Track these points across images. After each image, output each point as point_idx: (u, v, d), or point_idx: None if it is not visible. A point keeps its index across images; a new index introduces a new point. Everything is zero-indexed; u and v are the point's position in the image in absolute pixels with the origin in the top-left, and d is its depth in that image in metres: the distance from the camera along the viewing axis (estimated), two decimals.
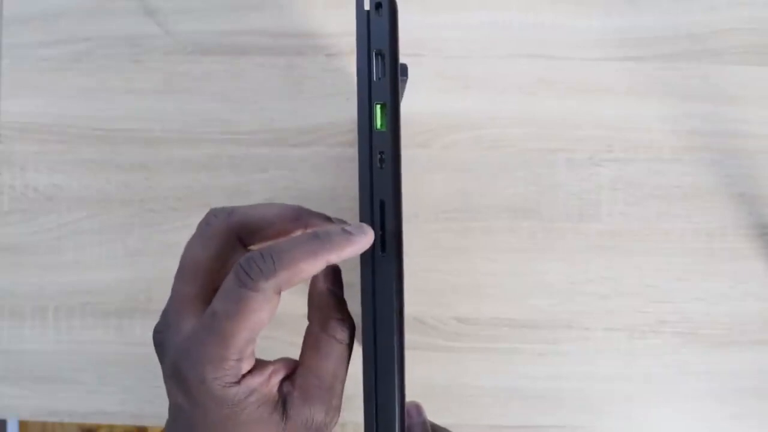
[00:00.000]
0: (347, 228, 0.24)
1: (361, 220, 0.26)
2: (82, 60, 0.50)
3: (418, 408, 0.32)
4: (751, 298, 0.48)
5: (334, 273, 0.27)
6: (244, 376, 0.24)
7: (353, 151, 0.49)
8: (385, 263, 0.25)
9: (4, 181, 0.50)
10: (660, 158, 0.48)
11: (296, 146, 0.49)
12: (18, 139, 0.50)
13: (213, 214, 0.27)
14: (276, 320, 0.47)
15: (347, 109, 0.49)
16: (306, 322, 0.27)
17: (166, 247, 0.49)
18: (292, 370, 0.26)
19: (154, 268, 0.49)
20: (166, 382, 0.25)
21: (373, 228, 0.25)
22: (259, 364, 0.25)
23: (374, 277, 0.25)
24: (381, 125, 0.26)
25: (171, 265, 0.48)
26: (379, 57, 0.26)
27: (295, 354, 0.27)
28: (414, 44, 0.49)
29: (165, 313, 0.26)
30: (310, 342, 0.26)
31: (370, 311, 0.25)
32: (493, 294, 0.48)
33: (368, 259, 0.25)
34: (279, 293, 0.24)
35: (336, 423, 0.26)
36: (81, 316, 0.49)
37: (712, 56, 0.49)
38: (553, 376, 0.48)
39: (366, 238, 0.25)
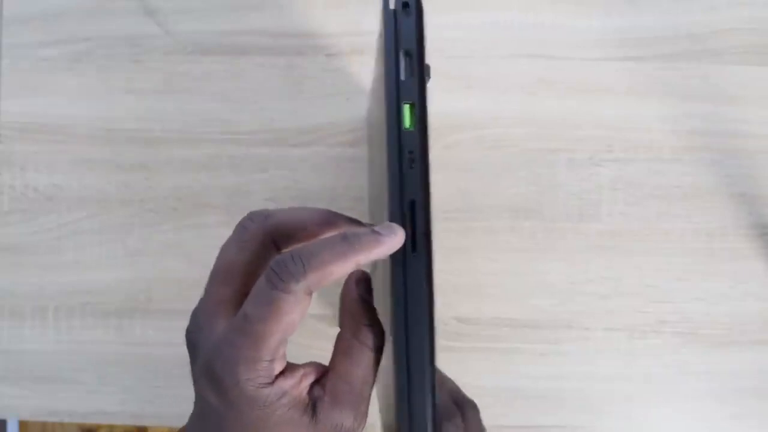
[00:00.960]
0: (376, 229, 0.25)
1: (391, 221, 0.26)
2: (82, 60, 0.50)
3: None
4: (751, 298, 0.48)
5: (365, 280, 0.27)
6: (276, 377, 0.24)
7: (353, 151, 0.49)
8: (416, 263, 0.25)
9: (4, 181, 0.50)
10: (660, 158, 0.49)
11: (296, 146, 0.49)
12: (18, 139, 0.50)
13: (249, 218, 0.27)
14: None
15: (347, 109, 0.49)
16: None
17: (166, 247, 0.49)
18: (322, 374, 0.26)
19: (154, 268, 0.49)
20: (196, 381, 0.25)
21: (404, 228, 0.25)
22: (290, 367, 0.25)
23: (405, 277, 0.25)
24: (410, 125, 0.26)
25: (171, 265, 0.49)
26: (407, 57, 0.26)
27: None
28: None
29: (195, 314, 0.26)
30: (341, 348, 0.26)
31: (401, 311, 0.25)
32: (494, 294, 0.48)
33: (399, 258, 0.25)
34: (310, 294, 0.24)
35: (363, 428, 0.26)
36: (81, 316, 0.49)
37: (712, 56, 0.49)
38: (554, 376, 0.48)
39: (396, 239, 0.25)
